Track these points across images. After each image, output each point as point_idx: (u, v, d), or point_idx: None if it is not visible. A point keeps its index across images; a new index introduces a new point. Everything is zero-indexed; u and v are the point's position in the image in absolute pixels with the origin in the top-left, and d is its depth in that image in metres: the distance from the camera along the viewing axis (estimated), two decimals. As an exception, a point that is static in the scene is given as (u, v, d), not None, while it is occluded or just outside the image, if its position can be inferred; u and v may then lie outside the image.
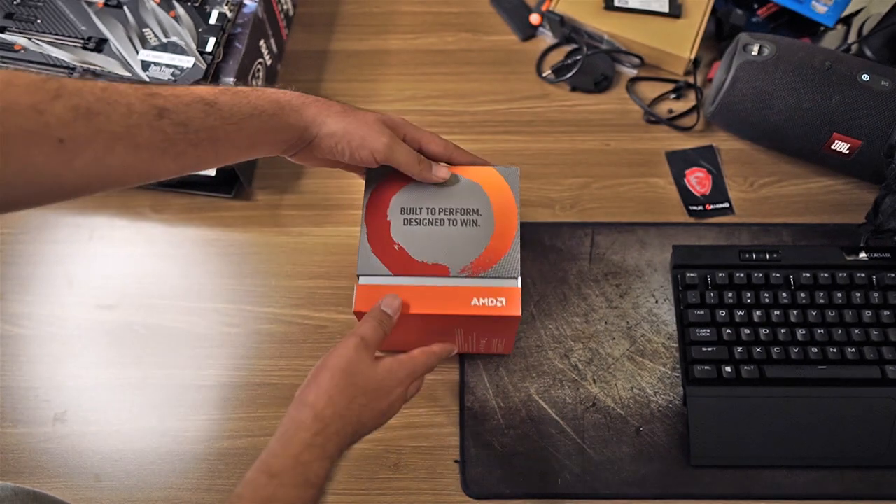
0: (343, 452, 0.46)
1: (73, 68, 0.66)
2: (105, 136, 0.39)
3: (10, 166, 0.36)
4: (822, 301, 0.63)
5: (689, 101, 0.79)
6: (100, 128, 0.38)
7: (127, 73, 0.66)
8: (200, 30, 0.68)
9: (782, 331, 0.62)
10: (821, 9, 0.79)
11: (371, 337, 0.48)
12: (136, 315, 0.68)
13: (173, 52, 0.67)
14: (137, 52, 0.67)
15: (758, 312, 0.63)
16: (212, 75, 0.67)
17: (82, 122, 0.38)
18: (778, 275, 0.64)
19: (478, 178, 0.56)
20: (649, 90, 0.80)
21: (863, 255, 0.65)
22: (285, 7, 0.81)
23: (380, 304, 0.50)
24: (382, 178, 0.56)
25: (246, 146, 0.46)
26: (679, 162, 0.75)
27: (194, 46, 0.67)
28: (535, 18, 0.83)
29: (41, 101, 0.36)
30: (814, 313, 0.63)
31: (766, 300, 0.64)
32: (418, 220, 0.54)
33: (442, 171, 0.54)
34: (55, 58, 0.66)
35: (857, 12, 0.81)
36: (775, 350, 0.62)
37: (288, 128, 0.47)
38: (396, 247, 0.53)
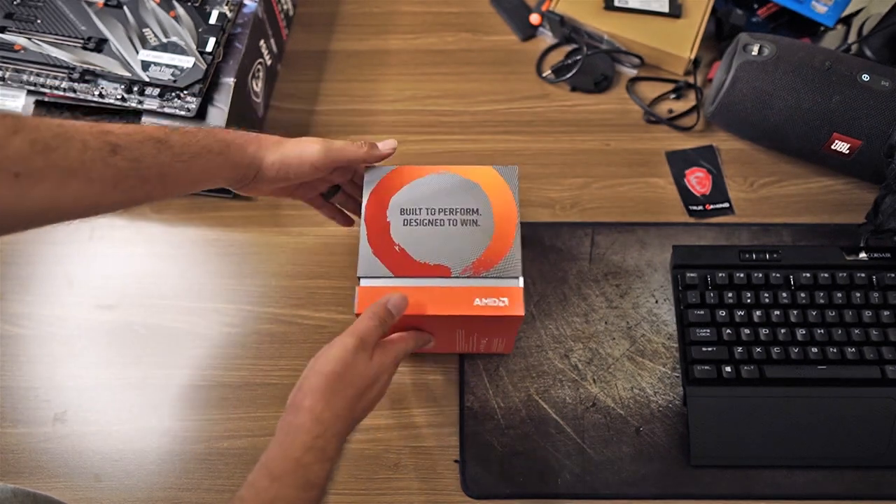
0: (341, 452, 0.47)
1: (73, 68, 0.66)
2: (60, 171, 0.40)
3: None
4: (822, 301, 0.63)
5: (689, 101, 0.79)
6: (55, 162, 0.40)
7: (127, 73, 0.66)
8: (200, 30, 0.68)
9: (782, 331, 0.62)
10: (821, 9, 0.79)
11: (370, 338, 0.48)
12: (136, 315, 0.68)
13: (173, 52, 0.67)
14: (137, 52, 0.67)
15: (758, 312, 0.63)
16: (212, 75, 0.67)
17: (39, 156, 0.39)
18: (778, 275, 0.64)
19: (476, 178, 0.56)
20: (649, 90, 0.80)
21: (863, 255, 0.65)
22: (285, 7, 0.81)
23: (387, 302, 0.50)
24: (380, 179, 0.56)
25: (193, 182, 0.49)
26: (679, 162, 0.75)
27: (194, 46, 0.67)
28: (535, 18, 0.83)
29: (0, 136, 0.38)
30: (814, 313, 0.63)
31: (766, 300, 0.64)
32: (418, 221, 0.54)
33: (389, 143, 0.56)
34: (55, 58, 0.66)
35: (857, 12, 0.81)
36: (775, 350, 0.62)
37: (233, 166, 0.50)
38: (397, 248, 0.53)
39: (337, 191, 0.61)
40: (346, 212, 0.64)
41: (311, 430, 0.44)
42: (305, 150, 0.52)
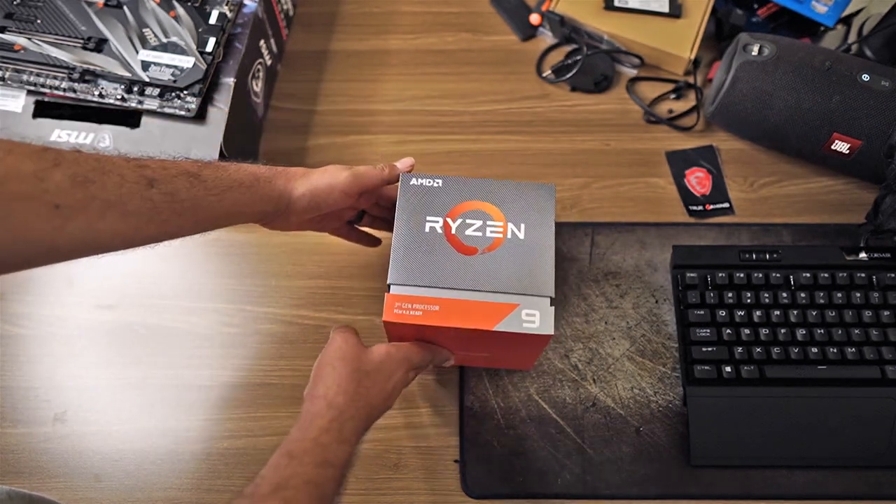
0: (360, 438, 0.48)
1: (73, 68, 0.66)
2: (98, 203, 0.41)
3: (8, 229, 0.38)
4: (822, 301, 0.63)
5: (689, 101, 0.79)
6: (94, 195, 0.41)
7: (127, 73, 0.66)
8: (200, 30, 0.68)
9: (782, 331, 0.62)
10: (821, 9, 0.79)
11: (352, 329, 0.52)
12: (136, 315, 0.68)
13: (173, 52, 0.67)
14: (137, 52, 0.67)
15: (758, 312, 0.63)
16: (212, 75, 0.67)
17: (79, 189, 0.40)
18: (778, 275, 0.64)
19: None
20: (649, 90, 0.80)
21: (863, 255, 0.65)
22: (285, 7, 0.81)
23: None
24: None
25: (224, 215, 0.50)
26: (679, 162, 0.75)
27: (194, 46, 0.67)
28: (535, 18, 0.83)
29: (42, 168, 0.39)
30: (814, 313, 0.63)
31: (766, 300, 0.64)
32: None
33: (406, 162, 0.57)
34: (55, 58, 0.66)
35: (857, 12, 0.81)
36: (775, 350, 0.62)
37: (263, 199, 0.51)
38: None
39: (362, 215, 0.61)
40: (372, 232, 0.65)
41: (325, 415, 0.46)
42: (334, 178, 0.53)
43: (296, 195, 0.53)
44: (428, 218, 0.51)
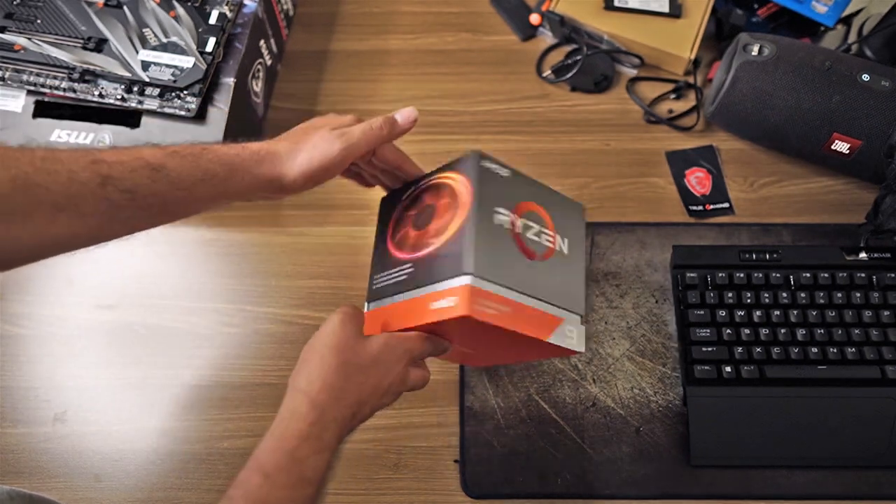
0: (343, 439, 0.44)
1: (73, 68, 0.66)
2: (46, 207, 0.38)
3: None
4: (822, 301, 0.63)
5: (689, 101, 0.79)
6: (40, 199, 0.37)
7: (127, 73, 0.66)
8: (200, 30, 0.68)
9: (782, 331, 0.62)
10: (821, 9, 0.79)
11: (355, 315, 0.47)
12: (136, 315, 0.68)
13: (173, 52, 0.67)
14: (137, 52, 0.67)
15: (758, 312, 0.63)
16: (211, 75, 0.67)
17: (20, 193, 0.37)
18: (778, 275, 0.64)
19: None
20: (649, 90, 0.80)
21: (863, 255, 0.65)
22: (285, 7, 0.81)
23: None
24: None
25: (200, 207, 0.46)
26: (679, 162, 0.75)
27: (194, 46, 0.67)
28: (535, 18, 0.83)
29: None
30: (814, 313, 0.63)
31: (766, 300, 0.64)
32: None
33: (408, 114, 0.52)
34: (55, 58, 0.66)
35: (857, 12, 0.81)
36: (775, 350, 0.62)
37: (243, 189, 0.46)
38: None
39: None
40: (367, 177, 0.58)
41: (306, 416, 0.42)
42: (326, 154, 0.47)
43: (287, 181, 0.47)
44: (497, 209, 0.47)
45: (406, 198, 0.54)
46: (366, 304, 0.52)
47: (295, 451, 0.41)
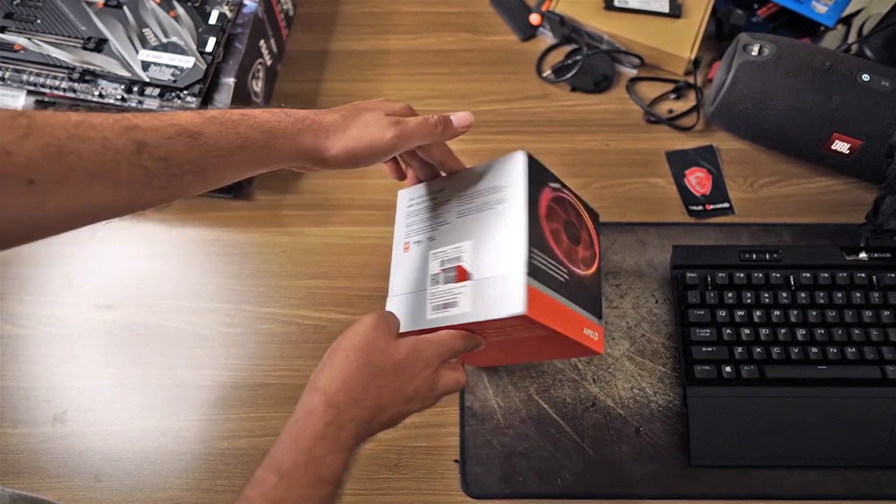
0: (362, 441, 0.43)
1: (73, 68, 0.66)
2: (79, 175, 0.37)
3: None
4: (822, 301, 0.63)
5: (689, 101, 0.79)
6: (73, 166, 0.36)
7: (127, 73, 0.66)
8: (200, 30, 0.68)
9: (782, 331, 0.62)
10: (821, 9, 0.79)
11: (391, 317, 0.46)
12: (136, 315, 0.68)
13: (173, 52, 0.67)
14: (137, 52, 0.67)
15: (758, 312, 0.63)
16: (211, 75, 0.67)
17: (52, 161, 0.36)
18: (778, 275, 0.64)
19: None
20: (649, 90, 0.80)
21: (863, 255, 0.65)
22: (285, 7, 0.81)
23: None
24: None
25: (236, 174, 0.44)
26: (679, 162, 0.75)
27: (194, 46, 0.67)
28: (535, 18, 0.83)
29: (10, 140, 0.35)
30: (814, 313, 0.63)
31: (767, 300, 0.63)
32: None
33: (464, 118, 0.50)
34: (55, 58, 0.66)
35: (857, 12, 0.81)
36: (775, 350, 0.62)
37: (282, 158, 0.45)
38: None
39: None
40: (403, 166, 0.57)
41: (322, 416, 0.41)
42: (376, 139, 0.45)
43: (328, 155, 0.45)
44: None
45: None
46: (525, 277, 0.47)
47: (311, 450, 0.40)
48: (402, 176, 0.56)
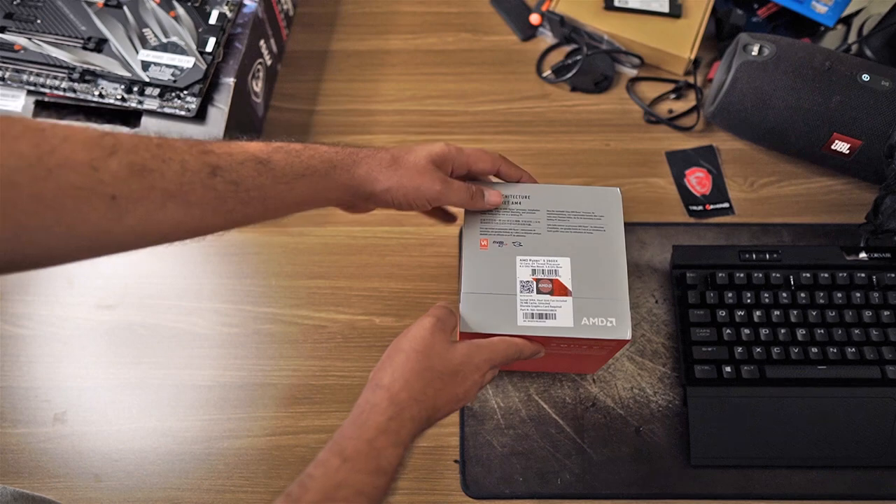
0: (416, 439, 0.45)
1: (73, 68, 0.66)
2: (158, 194, 0.39)
3: (62, 222, 0.36)
4: (822, 301, 0.63)
5: (689, 101, 0.79)
6: (153, 185, 0.38)
7: (127, 73, 0.66)
8: (200, 30, 0.68)
9: (782, 331, 0.62)
10: (821, 9, 0.79)
11: (447, 319, 0.48)
12: (136, 315, 0.68)
13: (173, 52, 0.67)
14: (137, 52, 0.67)
15: (758, 312, 0.63)
16: (211, 75, 0.67)
17: (136, 179, 0.38)
18: (778, 275, 0.64)
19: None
20: (649, 90, 0.80)
21: (863, 255, 0.65)
22: (285, 7, 0.81)
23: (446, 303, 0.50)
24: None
25: (296, 204, 0.46)
26: (679, 162, 0.75)
27: (194, 46, 0.67)
28: (535, 18, 0.83)
29: (97, 157, 0.36)
30: (814, 313, 0.63)
31: (767, 300, 0.64)
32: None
33: (493, 198, 0.53)
34: (55, 58, 0.66)
35: (857, 12, 0.81)
36: (775, 350, 0.62)
37: (339, 187, 0.47)
38: None
39: None
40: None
41: (385, 411, 0.43)
42: (424, 186, 0.49)
43: (378, 189, 0.48)
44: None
45: None
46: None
47: (373, 440, 0.42)
48: (451, 220, 0.60)
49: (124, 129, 0.67)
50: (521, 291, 0.50)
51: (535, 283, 0.51)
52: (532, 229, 0.52)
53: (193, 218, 0.41)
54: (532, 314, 0.50)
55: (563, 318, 0.49)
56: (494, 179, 0.56)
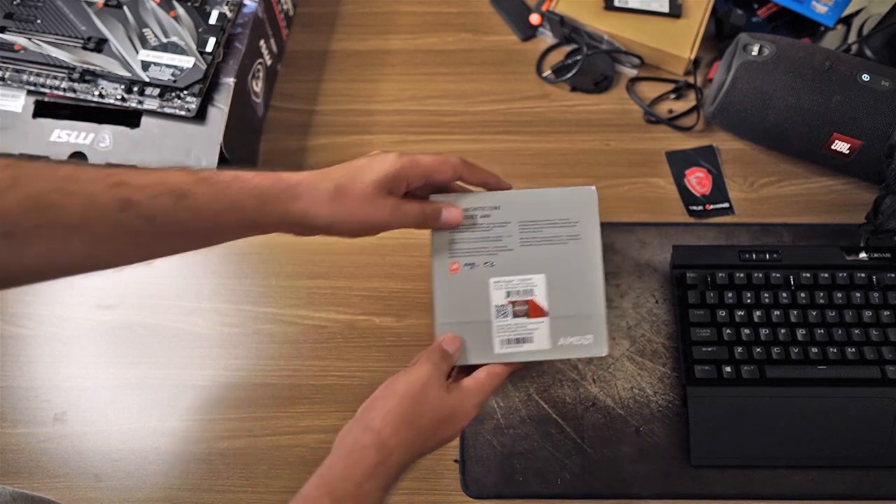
0: (403, 476, 0.45)
1: (73, 68, 0.66)
2: (60, 229, 0.37)
3: None
4: (822, 301, 0.63)
5: (689, 101, 0.79)
6: (54, 220, 0.36)
7: (127, 73, 0.66)
8: (200, 30, 0.68)
9: (782, 331, 0.62)
10: (821, 9, 0.79)
11: (442, 366, 0.47)
12: (136, 315, 0.68)
13: (173, 52, 0.67)
14: (137, 52, 0.67)
15: (758, 312, 0.63)
16: (212, 75, 0.67)
17: (34, 214, 0.36)
18: (778, 275, 0.64)
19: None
20: (649, 90, 0.80)
21: (863, 255, 0.65)
22: (285, 7, 0.81)
23: (441, 343, 0.49)
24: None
25: (224, 237, 0.44)
26: (679, 162, 0.75)
27: (194, 46, 0.67)
28: (535, 18, 0.83)
29: None
30: (814, 313, 0.63)
31: (767, 300, 0.63)
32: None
33: (451, 217, 0.49)
34: (55, 58, 0.66)
35: (857, 12, 0.81)
36: (775, 350, 0.62)
37: (274, 223, 0.44)
38: None
39: None
40: None
41: (374, 457, 0.43)
42: (371, 217, 0.45)
43: (320, 224, 0.45)
44: None
45: None
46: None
47: (361, 484, 0.42)
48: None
49: (122, 129, 0.67)
50: (497, 317, 0.49)
51: (510, 306, 0.50)
52: (504, 245, 0.50)
53: (104, 252, 0.39)
54: (508, 340, 0.49)
55: (539, 341, 0.49)
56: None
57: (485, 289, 0.50)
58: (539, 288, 0.50)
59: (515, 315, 0.49)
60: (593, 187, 0.51)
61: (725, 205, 0.72)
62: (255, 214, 0.43)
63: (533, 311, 0.49)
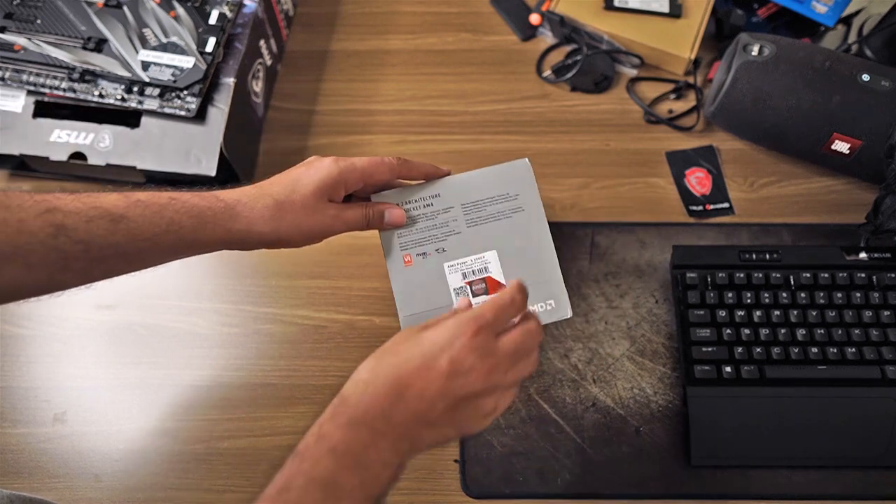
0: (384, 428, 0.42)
1: (73, 68, 0.66)
2: None
3: None
4: (822, 301, 0.63)
5: (689, 101, 0.79)
6: None
7: (127, 73, 0.66)
8: (200, 30, 0.68)
9: (782, 331, 0.62)
10: (821, 9, 0.79)
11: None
12: (136, 315, 0.68)
13: (173, 52, 0.67)
14: (137, 53, 0.67)
15: (758, 312, 0.63)
16: (212, 75, 0.67)
17: None
18: (778, 275, 0.64)
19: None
20: (649, 90, 0.80)
21: (863, 255, 0.65)
22: (285, 7, 0.81)
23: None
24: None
25: (165, 257, 0.44)
26: (679, 162, 0.75)
27: (194, 46, 0.67)
28: (535, 18, 0.83)
29: None
30: (814, 313, 0.63)
31: (767, 300, 0.64)
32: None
33: (394, 217, 0.50)
34: (55, 58, 0.66)
35: (857, 12, 0.81)
36: (775, 350, 0.62)
37: (214, 242, 0.44)
38: None
39: None
40: None
41: (336, 403, 0.41)
42: (314, 226, 0.46)
43: (265, 240, 0.46)
44: None
45: None
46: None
47: (319, 430, 0.40)
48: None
49: (122, 128, 0.67)
50: (458, 299, 0.50)
51: (468, 287, 0.50)
52: (452, 230, 0.51)
53: (38, 279, 0.39)
54: None
55: None
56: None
57: (441, 275, 0.51)
58: (493, 264, 0.51)
59: (475, 294, 0.50)
60: (526, 159, 0.53)
61: (725, 205, 0.72)
62: (194, 235, 0.43)
63: (491, 286, 0.50)
